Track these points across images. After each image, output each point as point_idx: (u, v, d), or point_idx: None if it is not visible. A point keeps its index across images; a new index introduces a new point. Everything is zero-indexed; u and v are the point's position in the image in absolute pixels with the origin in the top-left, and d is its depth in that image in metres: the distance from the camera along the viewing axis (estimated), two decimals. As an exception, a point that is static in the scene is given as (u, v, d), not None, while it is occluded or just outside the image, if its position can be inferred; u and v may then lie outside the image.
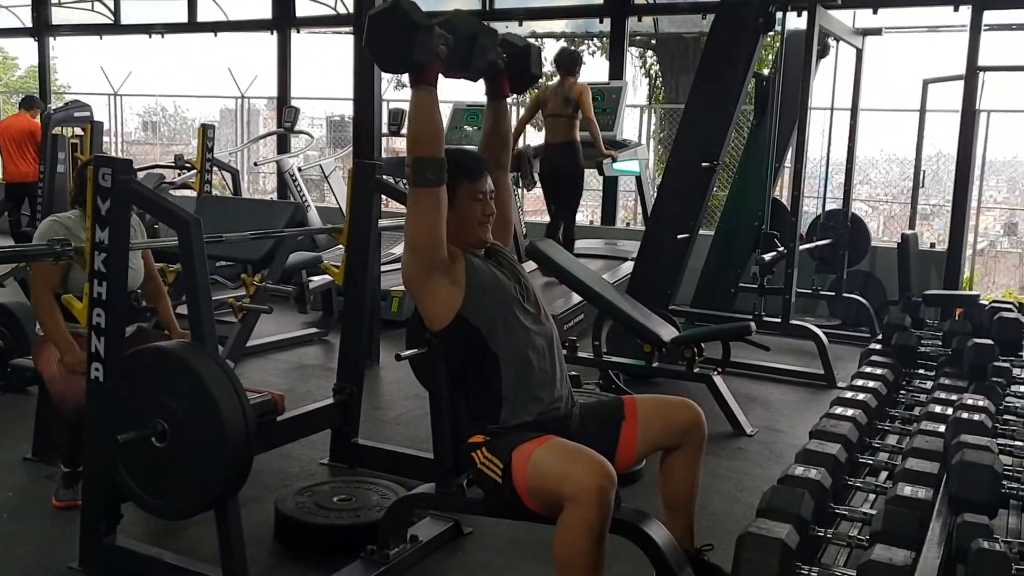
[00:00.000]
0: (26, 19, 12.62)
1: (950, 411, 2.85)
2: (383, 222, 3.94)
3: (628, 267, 6.47)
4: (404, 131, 2.40)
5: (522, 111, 7.54)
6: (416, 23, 2.14)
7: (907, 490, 2.25)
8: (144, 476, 2.56)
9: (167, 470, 2.50)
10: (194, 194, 7.38)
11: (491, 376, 2.38)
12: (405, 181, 2.36)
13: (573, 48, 6.91)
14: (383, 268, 6.23)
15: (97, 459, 2.71)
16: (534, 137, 8.17)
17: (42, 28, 12.39)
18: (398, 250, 7.43)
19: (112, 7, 11.85)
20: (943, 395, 3.22)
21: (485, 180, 2.45)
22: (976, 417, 2.61)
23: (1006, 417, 3.00)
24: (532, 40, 2.73)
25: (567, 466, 2.16)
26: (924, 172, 7.54)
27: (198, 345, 2.55)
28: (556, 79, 6.56)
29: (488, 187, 2.45)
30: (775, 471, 2.87)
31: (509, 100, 2.67)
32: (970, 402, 2.79)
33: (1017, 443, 2.70)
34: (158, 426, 2.47)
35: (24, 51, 23.17)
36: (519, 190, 6.76)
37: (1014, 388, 3.37)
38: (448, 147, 2.33)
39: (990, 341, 3.61)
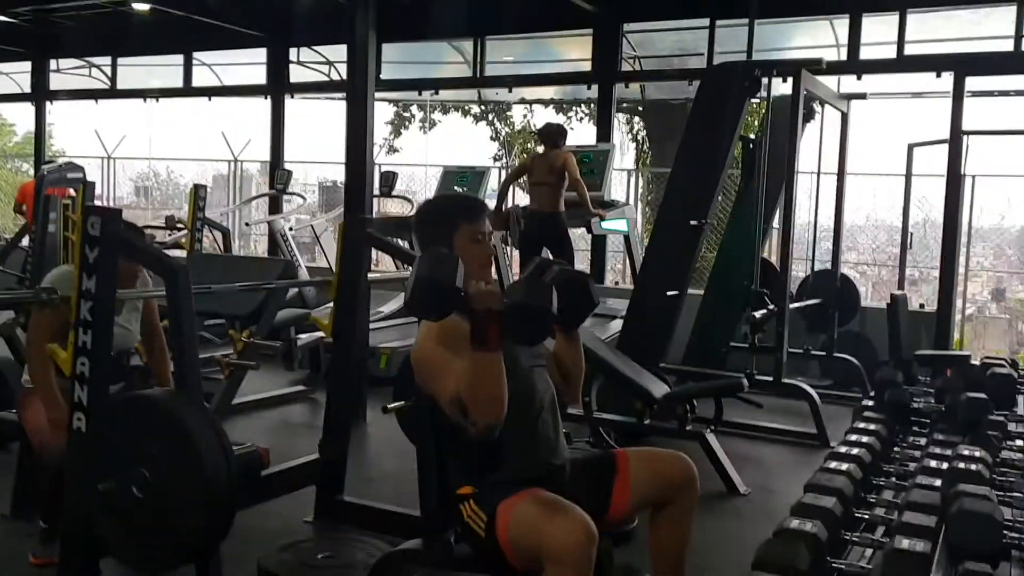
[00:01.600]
0: (25, 85, 12.79)
1: (946, 465, 2.81)
2: (373, 275, 3.93)
3: (617, 325, 6.45)
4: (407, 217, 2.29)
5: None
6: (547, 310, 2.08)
7: (905, 543, 2.21)
8: (124, 527, 2.49)
9: (148, 521, 2.44)
10: (184, 253, 7.38)
11: (493, 442, 2.33)
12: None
13: (558, 123, 7.02)
14: (372, 326, 6.20)
15: (77, 510, 2.64)
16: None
17: (40, 93, 12.54)
18: (388, 308, 7.41)
19: (109, 73, 12.01)
20: (938, 450, 3.18)
21: (484, 222, 2.42)
22: (974, 467, 2.57)
23: (1003, 469, 2.97)
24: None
25: (548, 522, 2.10)
26: (911, 234, 7.61)
27: (183, 393, 2.51)
28: (541, 148, 6.67)
29: (487, 228, 2.42)
30: (769, 530, 2.81)
31: (499, 162, 2.59)
32: (967, 452, 2.75)
33: (1016, 494, 2.66)
34: (140, 475, 2.41)
35: (21, 117, 23.42)
36: (507, 248, 6.78)
37: (1009, 443, 3.33)
38: (442, 193, 2.32)
39: (984, 395, 3.59)
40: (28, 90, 12.73)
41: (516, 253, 7.30)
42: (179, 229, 8.24)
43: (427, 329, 2.32)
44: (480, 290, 2.05)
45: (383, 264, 9.78)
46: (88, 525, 2.58)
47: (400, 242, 3.69)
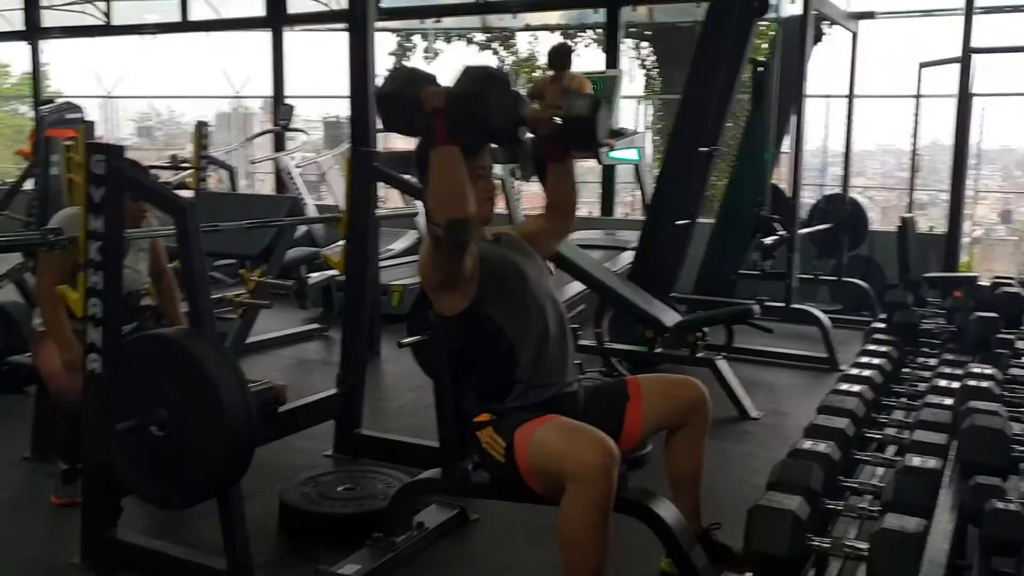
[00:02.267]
0: (17, 22, 12.58)
1: (956, 385, 2.83)
2: (381, 211, 3.91)
3: (628, 256, 6.44)
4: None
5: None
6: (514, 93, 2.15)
7: (916, 460, 2.23)
8: (145, 466, 2.53)
9: (168, 459, 2.47)
10: (191, 193, 7.35)
11: (505, 360, 2.35)
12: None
13: (563, 43, 6.89)
14: (382, 263, 6.21)
15: (96, 451, 2.68)
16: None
17: (34, 31, 12.35)
18: (398, 245, 7.41)
19: (104, 8, 11.80)
20: (948, 369, 3.19)
21: (485, 155, 2.41)
22: (984, 384, 2.59)
23: (1013, 386, 2.98)
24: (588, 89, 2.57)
25: (569, 444, 2.13)
26: (921, 157, 7.53)
27: (197, 331, 2.52)
28: (551, 73, 6.55)
29: (488, 162, 2.42)
30: (781, 453, 2.84)
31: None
32: (977, 370, 2.77)
33: (1025, 410, 2.68)
34: (158, 414, 2.44)
35: (15, 58, 23.14)
36: (516, 181, 6.74)
37: (1018, 360, 3.34)
38: None
39: (994, 314, 3.58)
40: (21, 28, 12.52)
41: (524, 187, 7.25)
42: (184, 168, 8.19)
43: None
44: (427, 91, 2.15)
45: (391, 201, 9.74)
46: (108, 466, 2.62)
47: (408, 177, 3.66)
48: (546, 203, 2.64)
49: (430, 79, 2.26)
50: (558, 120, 2.44)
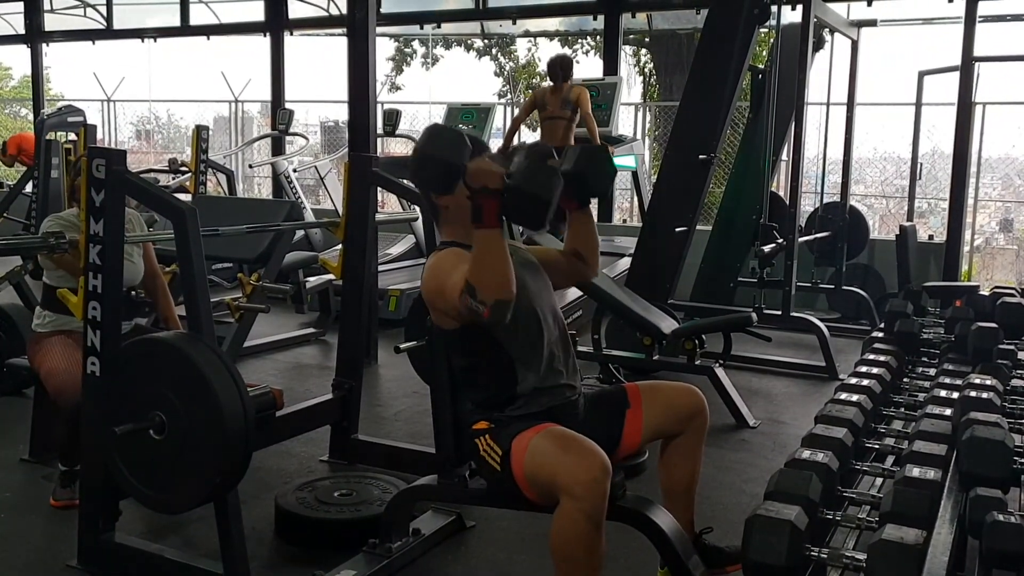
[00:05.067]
0: (18, 26, 12.59)
1: (955, 395, 2.82)
2: (379, 216, 3.91)
3: (625, 263, 6.45)
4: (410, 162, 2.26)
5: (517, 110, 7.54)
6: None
7: (915, 471, 2.22)
8: (142, 470, 2.52)
9: (166, 463, 2.46)
10: (189, 197, 7.34)
11: (505, 376, 2.34)
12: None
13: (564, 54, 6.92)
14: (380, 267, 6.21)
15: (95, 454, 2.67)
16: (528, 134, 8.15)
17: (35, 34, 12.36)
18: (395, 250, 7.41)
19: (104, 12, 11.81)
20: (948, 380, 3.19)
21: None
22: (984, 395, 2.58)
23: (1014, 397, 2.98)
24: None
25: (563, 456, 2.13)
26: (921, 165, 7.53)
27: (195, 335, 2.51)
28: (549, 84, 6.58)
29: None
30: (779, 462, 2.83)
31: (504, 99, 2.57)
32: (977, 381, 2.76)
33: (1026, 422, 2.68)
34: (156, 418, 2.43)
35: (16, 61, 23.18)
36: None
37: (1019, 371, 3.34)
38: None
39: (994, 325, 3.58)
40: (22, 31, 12.54)
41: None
42: (182, 172, 8.19)
43: (435, 255, 2.39)
44: (478, 166, 2.09)
45: (389, 206, 9.74)
46: (106, 468, 2.61)
47: (406, 182, 3.66)
48: (568, 249, 2.59)
49: (477, 146, 2.25)
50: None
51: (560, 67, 6.52)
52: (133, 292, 3.40)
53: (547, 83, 6.71)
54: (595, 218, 2.60)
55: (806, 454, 2.37)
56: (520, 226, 2.27)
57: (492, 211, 2.07)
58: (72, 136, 8.08)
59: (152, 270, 3.51)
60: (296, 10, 10.64)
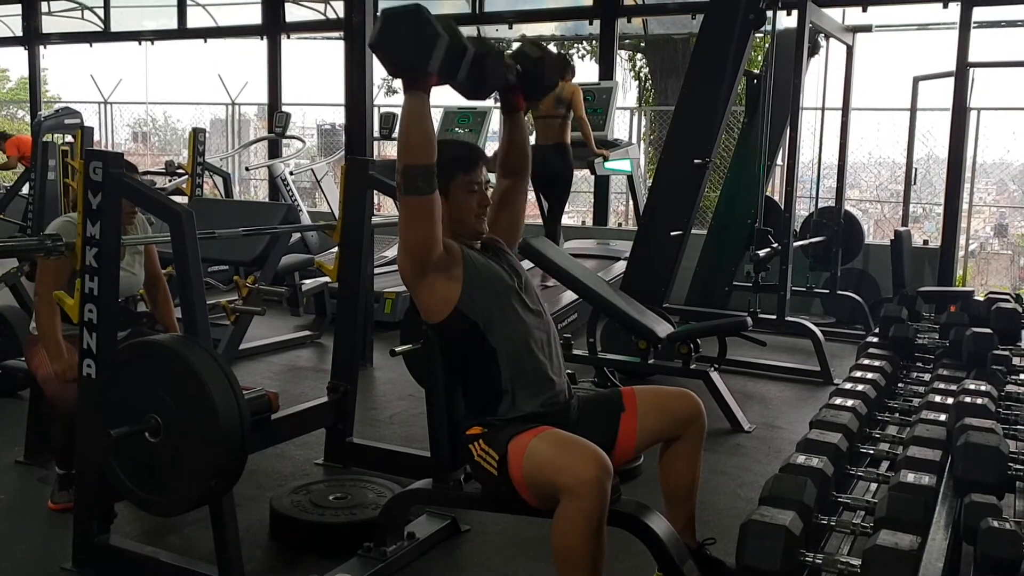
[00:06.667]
0: (16, 28, 12.59)
1: (950, 400, 2.83)
2: (376, 219, 3.91)
3: (621, 267, 6.46)
4: (395, 135, 2.35)
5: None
6: (439, 33, 2.12)
7: (910, 477, 2.24)
8: (138, 472, 2.52)
9: (161, 465, 2.46)
10: (186, 199, 7.34)
11: (490, 369, 2.35)
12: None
13: (564, 52, 6.97)
14: (376, 270, 6.20)
15: (90, 456, 2.67)
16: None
17: (32, 37, 12.35)
18: (391, 252, 7.40)
19: (102, 15, 11.81)
20: (942, 385, 3.20)
21: (480, 171, 2.43)
22: (979, 401, 2.59)
23: (1008, 403, 2.99)
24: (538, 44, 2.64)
25: (562, 457, 2.13)
26: (916, 170, 7.55)
27: (191, 338, 2.51)
28: None
29: (483, 177, 2.43)
30: (774, 467, 2.85)
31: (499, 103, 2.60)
32: (972, 387, 2.77)
33: (1020, 427, 2.69)
34: (152, 420, 2.43)
35: (14, 62, 23.14)
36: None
37: (1014, 377, 3.35)
38: (441, 138, 2.30)
39: (989, 330, 3.60)
40: (19, 33, 12.53)
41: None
42: (179, 174, 8.19)
43: None
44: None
45: (385, 208, 9.74)
46: (101, 471, 2.61)
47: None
48: (500, 161, 2.62)
49: (474, 152, 2.34)
50: (517, 67, 2.46)
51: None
52: (133, 297, 3.39)
53: None
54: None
55: (801, 459, 2.38)
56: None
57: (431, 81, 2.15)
58: (69, 138, 8.08)
59: (155, 274, 3.50)
60: (293, 13, 10.65)
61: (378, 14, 2.19)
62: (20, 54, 12.76)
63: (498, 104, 2.59)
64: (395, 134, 7.89)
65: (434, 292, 2.34)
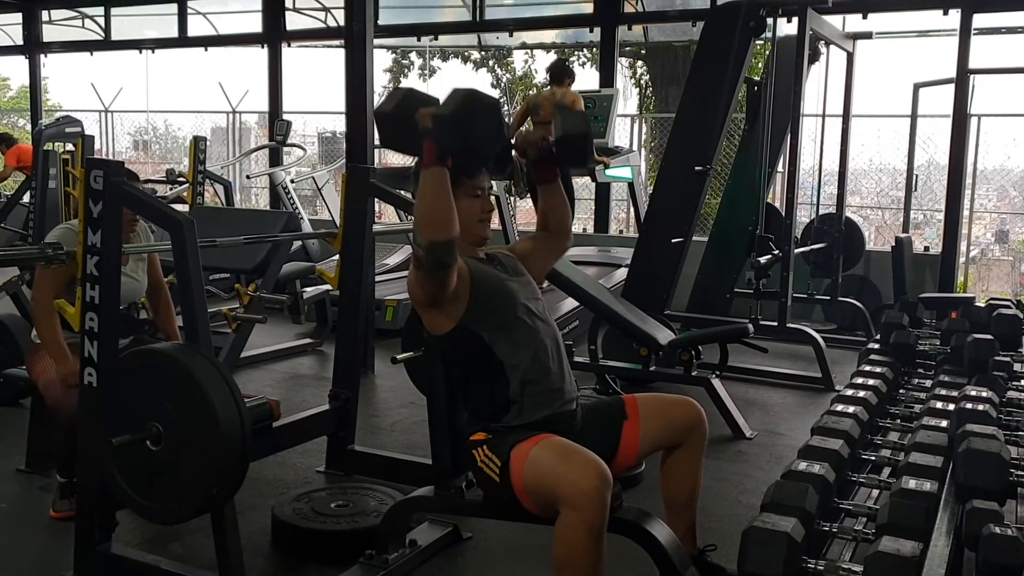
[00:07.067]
0: (17, 37, 12.62)
1: (951, 407, 2.83)
2: (377, 227, 3.91)
3: (622, 274, 6.46)
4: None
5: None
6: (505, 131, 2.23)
7: (912, 483, 2.23)
8: (139, 480, 2.52)
9: (163, 473, 2.46)
10: (187, 207, 7.35)
11: (497, 381, 2.35)
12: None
13: (565, 59, 7.02)
14: (377, 278, 6.21)
15: (91, 464, 2.67)
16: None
17: (33, 45, 12.39)
18: (392, 260, 7.42)
19: (102, 24, 11.85)
20: (944, 391, 3.20)
21: (483, 176, 2.42)
22: (981, 407, 2.59)
23: (1009, 409, 2.98)
24: (577, 109, 2.64)
25: (562, 466, 2.13)
26: (916, 176, 7.56)
27: (193, 346, 2.51)
28: (547, 88, 6.62)
29: (486, 183, 2.43)
30: (776, 473, 2.85)
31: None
32: (973, 393, 2.77)
33: (1022, 433, 2.68)
34: (153, 428, 2.43)
35: (14, 71, 23.22)
36: (511, 198, 6.75)
37: (1015, 383, 3.35)
38: None
39: (990, 336, 3.59)
40: (20, 42, 12.57)
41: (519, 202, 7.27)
42: (180, 183, 8.19)
43: None
44: (420, 112, 2.16)
45: (386, 216, 9.75)
46: (103, 479, 2.61)
47: (403, 193, 3.67)
48: (539, 223, 2.65)
49: (429, 100, 2.27)
50: (550, 139, 2.45)
51: (558, 71, 6.65)
52: (135, 304, 3.40)
53: (546, 88, 6.78)
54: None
55: (802, 466, 2.38)
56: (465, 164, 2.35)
57: (430, 150, 2.14)
58: (70, 146, 8.09)
59: (157, 281, 3.50)
60: (294, 22, 10.67)
61: (452, 90, 2.21)
62: (21, 63, 12.81)
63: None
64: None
65: (440, 312, 2.35)
